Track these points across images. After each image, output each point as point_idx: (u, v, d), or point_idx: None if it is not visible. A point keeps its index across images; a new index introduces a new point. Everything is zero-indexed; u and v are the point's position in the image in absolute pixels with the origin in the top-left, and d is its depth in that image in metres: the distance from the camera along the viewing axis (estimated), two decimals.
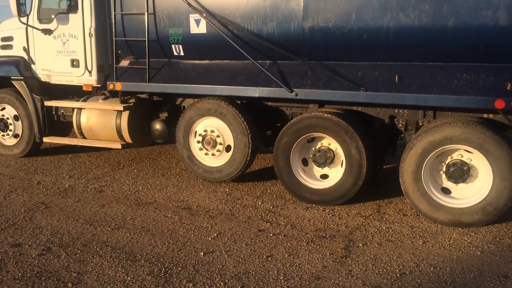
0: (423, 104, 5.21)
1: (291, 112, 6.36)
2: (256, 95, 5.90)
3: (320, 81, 5.59)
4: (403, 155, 5.28)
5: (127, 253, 4.41)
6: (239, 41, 5.91)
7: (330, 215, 5.41)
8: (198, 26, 6.15)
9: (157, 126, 6.93)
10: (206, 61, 6.36)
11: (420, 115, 5.56)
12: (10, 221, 5.17)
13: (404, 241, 4.72)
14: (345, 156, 5.54)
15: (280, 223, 5.17)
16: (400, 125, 5.76)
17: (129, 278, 3.99)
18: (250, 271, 4.13)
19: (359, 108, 5.91)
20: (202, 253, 4.41)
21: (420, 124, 5.61)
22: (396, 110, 5.71)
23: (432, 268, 4.18)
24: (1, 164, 7.48)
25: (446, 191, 5.20)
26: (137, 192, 6.16)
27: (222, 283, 3.91)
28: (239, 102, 6.44)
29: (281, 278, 4.01)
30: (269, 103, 6.40)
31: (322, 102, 5.95)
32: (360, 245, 4.64)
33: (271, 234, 4.86)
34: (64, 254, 4.39)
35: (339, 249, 4.54)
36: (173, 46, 6.39)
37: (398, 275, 4.08)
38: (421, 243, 4.68)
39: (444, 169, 5.17)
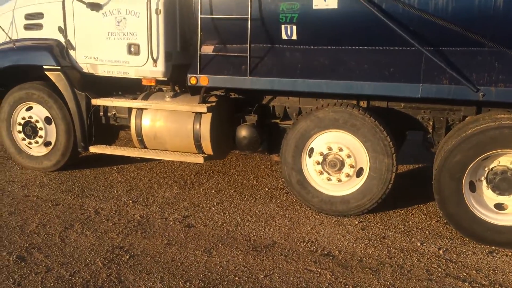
0: None
1: (430, 117, 4.78)
2: (418, 95, 4.25)
3: None
4: None
5: None
6: (389, 19, 4.25)
7: None
8: (326, 0, 4.47)
9: (245, 132, 5.22)
10: (329, 47, 4.68)
11: None
12: (91, 285, 3.39)
13: None
14: None
15: (482, 283, 3.55)
16: None
17: None
18: None
19: None
20: None
21: None
22: None
23: None
24: (31, 182, 5.63)
25: None
26: (239, 227, 4.45)
27: None
28: (364, 107, 4.82)
29: None
30: (400, 105, 4.82)
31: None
32: None
33: None
34: None
35: None
36: (283, 26, 4.67)
37: None
38: None
39: None
